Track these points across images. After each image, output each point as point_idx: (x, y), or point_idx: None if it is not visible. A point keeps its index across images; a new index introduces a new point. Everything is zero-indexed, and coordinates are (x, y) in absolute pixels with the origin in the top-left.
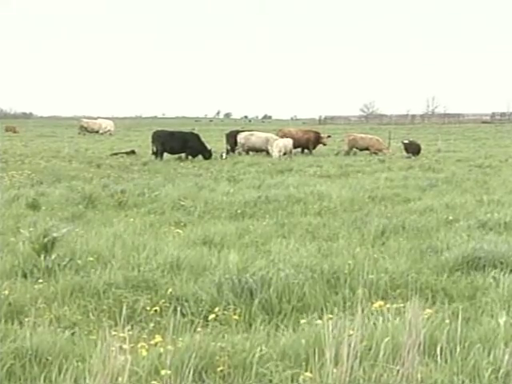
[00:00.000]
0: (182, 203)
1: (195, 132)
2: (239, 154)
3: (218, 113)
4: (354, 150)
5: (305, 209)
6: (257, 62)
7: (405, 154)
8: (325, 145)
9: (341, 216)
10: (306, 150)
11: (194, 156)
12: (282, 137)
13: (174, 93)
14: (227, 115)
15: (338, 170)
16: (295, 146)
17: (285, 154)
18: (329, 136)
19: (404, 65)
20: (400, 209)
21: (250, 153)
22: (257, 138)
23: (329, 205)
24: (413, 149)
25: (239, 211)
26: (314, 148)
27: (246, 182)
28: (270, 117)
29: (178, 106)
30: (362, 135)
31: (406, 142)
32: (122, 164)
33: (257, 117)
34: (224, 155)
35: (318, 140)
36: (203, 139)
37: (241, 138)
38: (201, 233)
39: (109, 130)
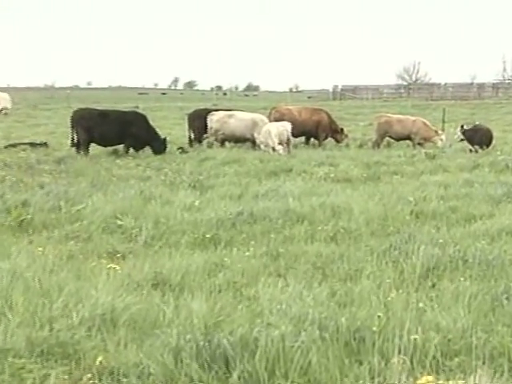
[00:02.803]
0: (120, 223)
1: (140, 112)
2: (210, 145)
3: (176, 81)
4: (388, 139)
5: (311, 231)
6: (234, 10)
7: (467, 145)
8: (338, 142)
9: (367, 243)
10: (312, 140)
11: (139, 149)
12: (277, 119)
13: (106, 54)
14: (190, 85)
15: (362, 171)
16: (298, 134)
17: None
18: (345, 135)
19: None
20: (460, 232)
21: (227, 144)
22: (238, 120)
23: (348, 225)
24: (480, 138)
25: (209, 235)
26: (327, 137)
27: (220, 189)
28: (256, 87)
29: (111, 72)
30: (400, 116)
31: (470, 127)
32: (25, 161)
33: (236, 88)
34: (186, 148)
35: (332, 125)
36: (152, 123)
37: (213, 120)
38: (149, 269)
39: (2, 109)
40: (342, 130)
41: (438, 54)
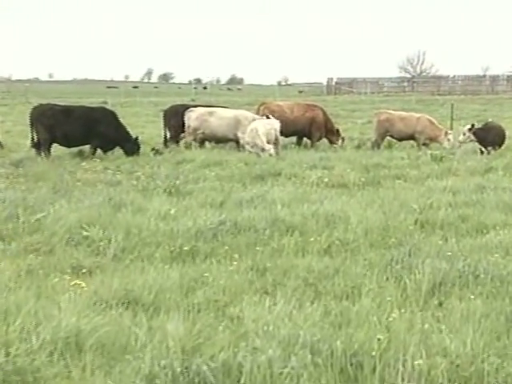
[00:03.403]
0: (86, 234)
1: (108, 108)
2: (188, 145)
3: (149, 74)
4: (389, 138)
5: (302, 243)
6: None
7: (478, 145)
8: (332, 143)
9: (365, 256)
10: (305, 140)
11: (107, 150)
12: (265, 115)
13: (70, 43)
14: (165, 77)
15: (360, 175)
16: (289, 133)
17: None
18: (342, 138)
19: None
20: (470, 243)
21: (207, 144)
22: (219, 118)
23: (344, 236)
24: (492, 137)
25: (186, 248)
26: (321, 138)
27: (200, 195)
28: (240, 80)
29: (75, 63)
30: (403, 113)
31: (481, 125)
32: None
33: (218, 81)
34: (161, 148)
35: (327, 124)
36: (123, 120)
37: (191, 118)
38: (119, 286)
39: None
40: (337, 130)
41: (445, 43)
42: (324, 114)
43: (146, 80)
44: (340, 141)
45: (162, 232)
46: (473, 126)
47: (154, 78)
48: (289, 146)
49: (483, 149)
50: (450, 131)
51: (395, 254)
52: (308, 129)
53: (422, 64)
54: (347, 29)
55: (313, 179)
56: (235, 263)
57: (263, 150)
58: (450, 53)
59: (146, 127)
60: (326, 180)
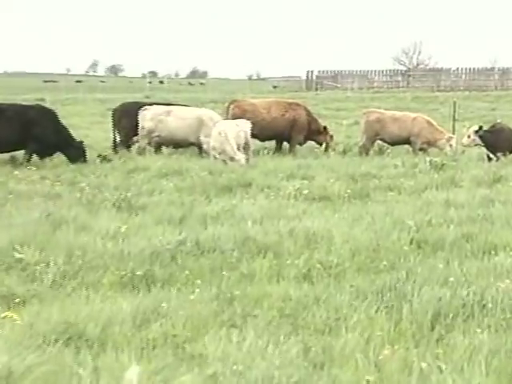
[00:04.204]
0: (19, 256)
1: (46, 106)
2: (140, 151)
3: (95, 66)
4: (380, 142)
5: (277, 267)
6: None
7: (485, 151)
8: (320, 144)
9: (352, 282)
10: (284, 144)
11: (45, 156)
12: (237, 117)
13: (1, 31)
14: (114, 70)
15: (346, 187)
16: (266, 137)
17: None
18: (331, 136)
19: None
20: (476, 267)
21: (165, 149)
22: (178, 118)
23: (327, 259)
24: (502, 141)
25: (140, 273)
26: (305, 142)
27: (155, 210)
28: (203, 74)
29: (8, 54)
30: (397, 113)
31: (488, 127)
32: None
33: (177, 74)
34: (109, 154)
35: (312, 125)
36: (64, 121)
37: (145, 118)
38: (59, 318)
39: None
40: (325, 128)
41: (445, 31)
42: (308, 113)
43: (91, 73)
44: (328, 138)
45: (111, 254)
46: (480, 128)
47: (101, 71)
48: (261, 151)
49: (491, 155)
50: (452, 136)
51: (387, 280)
52: (288, 132)
53: (419, 55)
54: (329, 14)
55: (290, 191)
56: (197, 291)
57: (233, 158)
58: (452, 43)
59: (92, 129)
60: (305, 192)
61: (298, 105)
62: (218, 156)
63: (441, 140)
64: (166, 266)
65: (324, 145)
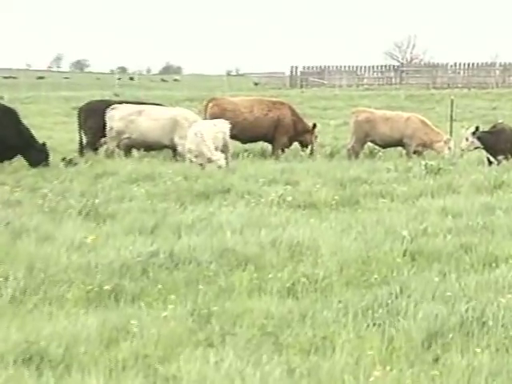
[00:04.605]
0: None
1: (5, 105)
2: (109, 154)
3: (58, 60)
4: (371, 144)
5: (258, 281)
6: None
7: (485, 154)
8: (306, 146)
9: (340, 297)
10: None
11: (4, 159)
12: (216, 116)
13: None
14: (79, 65)
15: (333, 193)
16: (247, 138)
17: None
18: (315, 136)
19: None
20: (475, 281)
21: (135, 152)
22: (151, 118)
23: (313, 272)
24: (503, 144)
25: (108, 287)
26: (291, 144)
27: (125, 219)
28: (178, 69)
29: None
30: (388, 113)
31: (489, 128)
32: None
33: (148, 70)
34: (74, 158)
35: (297, 125)
36: (25, 121)
37: (114, 118)
38: (19, 337)
39: None
40: (314, 126)
41: (441, 23)
42: (293, 113)
43: (54, 68)
44: (313, 138)
45: (76, 267)
46: (477, 128)
47: (65, 67)
48: (241, 153)
49: (491, 158)
50: (448, 137)
51: (378, 295)
52: (272, 133)
53: (413, 49)
54: (315, 6)
55: (272, 197)
56: (171, 307)
57: (210, 160)
58: (448, 36)
59: (55, 130)
60: (289, 199)
61: (282, 103)
62: (194, 159)
63: (438, 142)
64: (136, 279)
65: (309, 147)
